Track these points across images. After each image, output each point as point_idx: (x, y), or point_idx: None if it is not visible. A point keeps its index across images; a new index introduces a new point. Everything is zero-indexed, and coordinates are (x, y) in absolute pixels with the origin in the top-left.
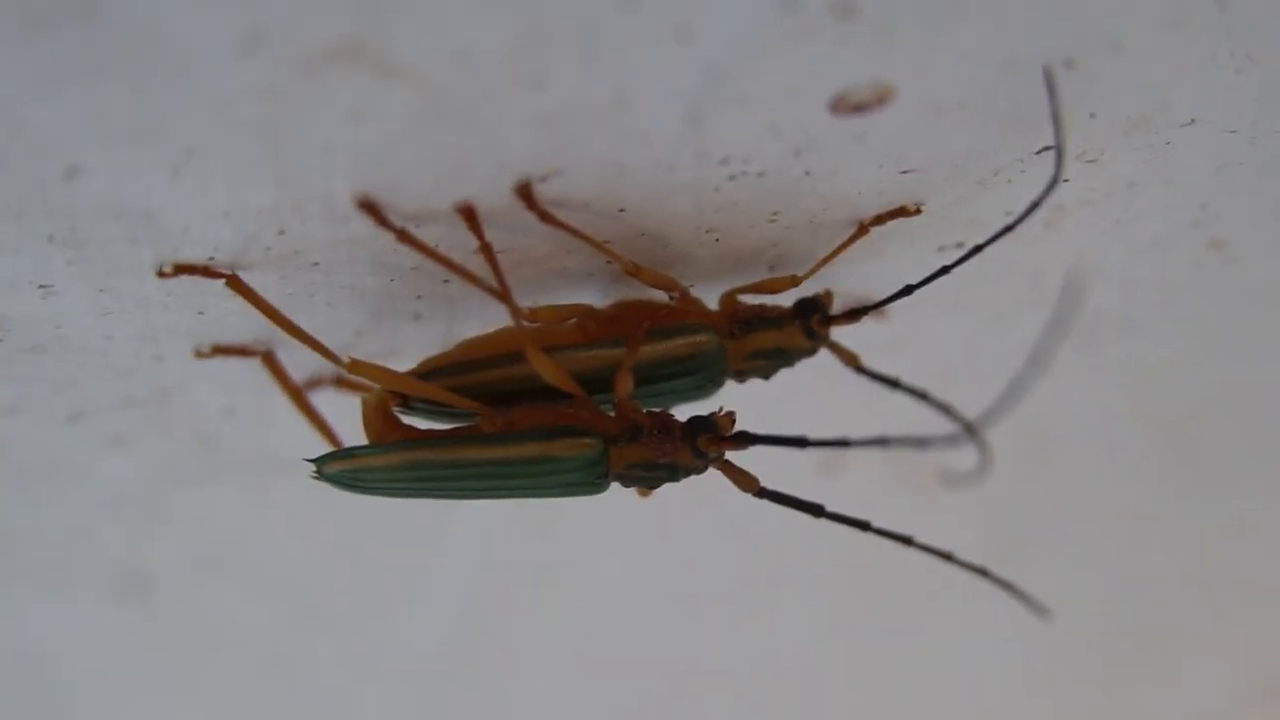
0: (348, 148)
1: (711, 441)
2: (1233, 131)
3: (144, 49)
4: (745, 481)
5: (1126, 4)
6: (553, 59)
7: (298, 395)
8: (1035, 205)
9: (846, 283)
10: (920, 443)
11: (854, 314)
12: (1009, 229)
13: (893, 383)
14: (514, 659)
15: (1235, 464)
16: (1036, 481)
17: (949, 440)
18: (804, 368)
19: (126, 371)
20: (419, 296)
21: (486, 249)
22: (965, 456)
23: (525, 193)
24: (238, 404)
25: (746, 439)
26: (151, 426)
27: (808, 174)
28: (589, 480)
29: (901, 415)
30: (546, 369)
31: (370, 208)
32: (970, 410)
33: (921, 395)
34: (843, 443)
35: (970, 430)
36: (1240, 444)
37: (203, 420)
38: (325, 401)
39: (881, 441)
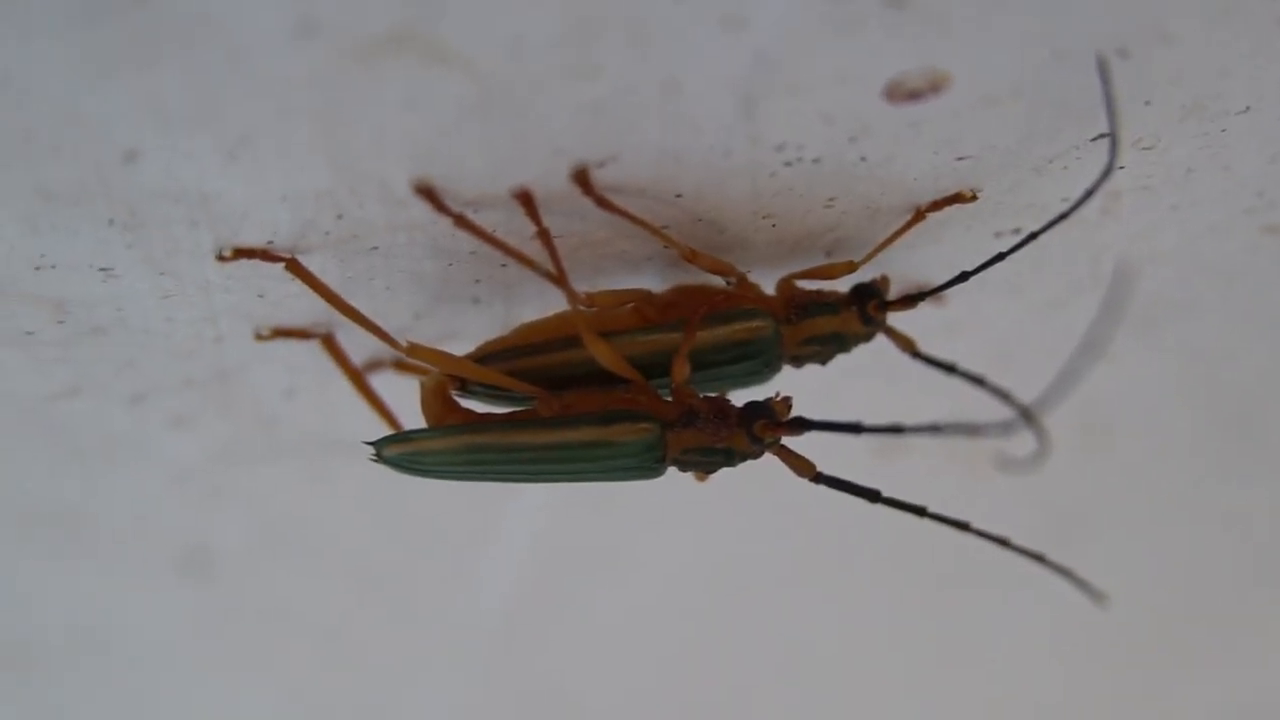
0: (402, 134)
1: (767, 427)
2: None
3: (197, 36)
4: (802, 466)
5: None
6: (603, 48)
7: (357, 378)
8: (1090, 193)
9: (904, 268)
10: (974, 429)
11: (910, 300)
12: (1064, 216)
13: (949, 368)
14: (570, 640)
15: None
16: (1097, 466)
17: (1003, 426)
18: (862, 352)
19: (187, 353)
20: (477, 281)
21: (544, 234)
22: (1022, 442)
23: (582, 178)
24: (298, 385)
25: (802, 424)
26: (212, 407)
27: (863, 160)
28: (646, 465)
29: (960, 400)
30: (603, 353)
31: (427, 193)
32: (1027, 395)
33: (978, 380)
34: (897, 428)
35: (1027, 415)
36: None
37: (263, 401)
38: (385, 384)
39: (935, 428)
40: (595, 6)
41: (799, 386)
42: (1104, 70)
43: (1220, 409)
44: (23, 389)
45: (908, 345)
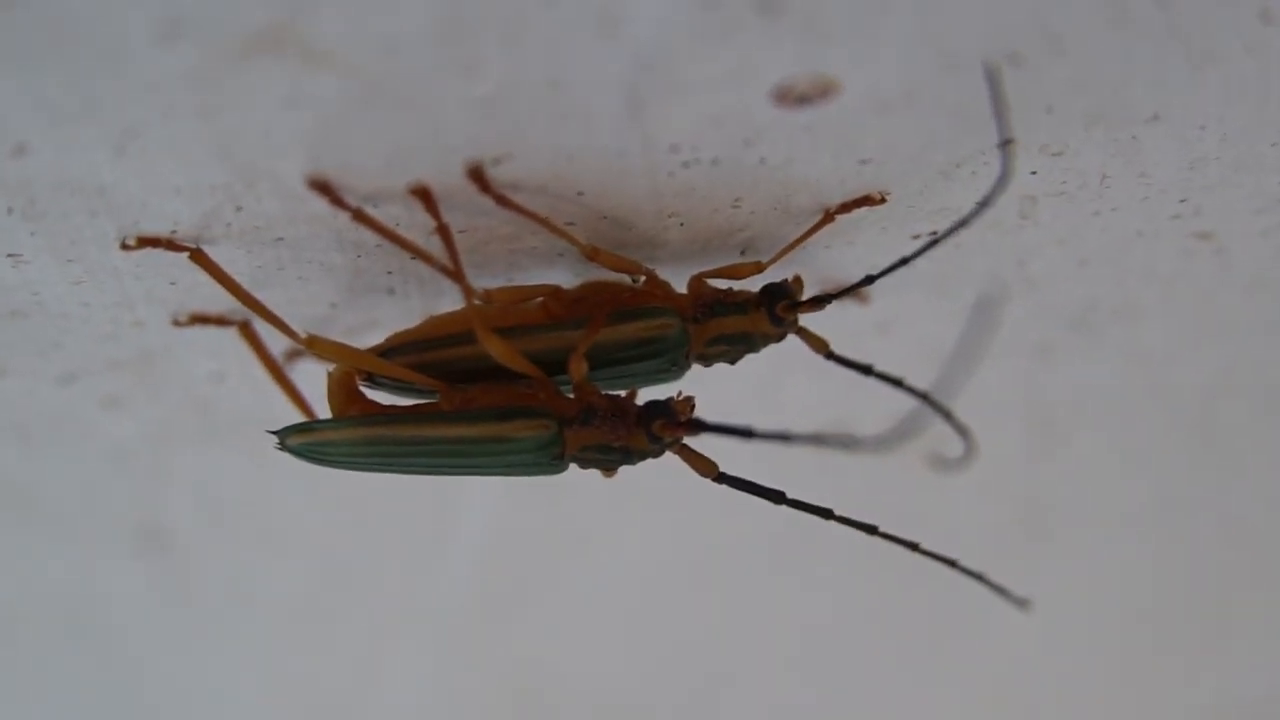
0: (288, 130)
1: (666, 426)
2: (1201, 128)
3: (67, 36)
4: (703, 466)
5: (1063, 1)
6: (480, 46)
7: (273, 365)
8: (986, 203)
9: (821, 269)
10: (851, 442)
11: (819, 301)
12: (963, 223)
13: (866, 369)
14: (535, 619)
15: (1258, 442)
16: (1057, 462)
17: (881, 440)
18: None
19: (108, 337)
20: (389, 272)
21: (443, 230)
22: (952, 442)
23: (478, 176)
24: (226, 369)
25: (698, 426)
26: (142, 389)
27: (763, 162)
28: (543, 461)
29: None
30: (497, 349)
31: (323, 187)
32: (957, 393)
33: (897, 382)
34: (785, 437)
35: (946, 415)
36: (1262, 422)
37: (192, 384)
38: (310, 372)
39: (818, 439)
40: (464, 7)
41: (741, 381)
42: (992, 76)
43: (1175, 411)
44: None
45: (821, 346)
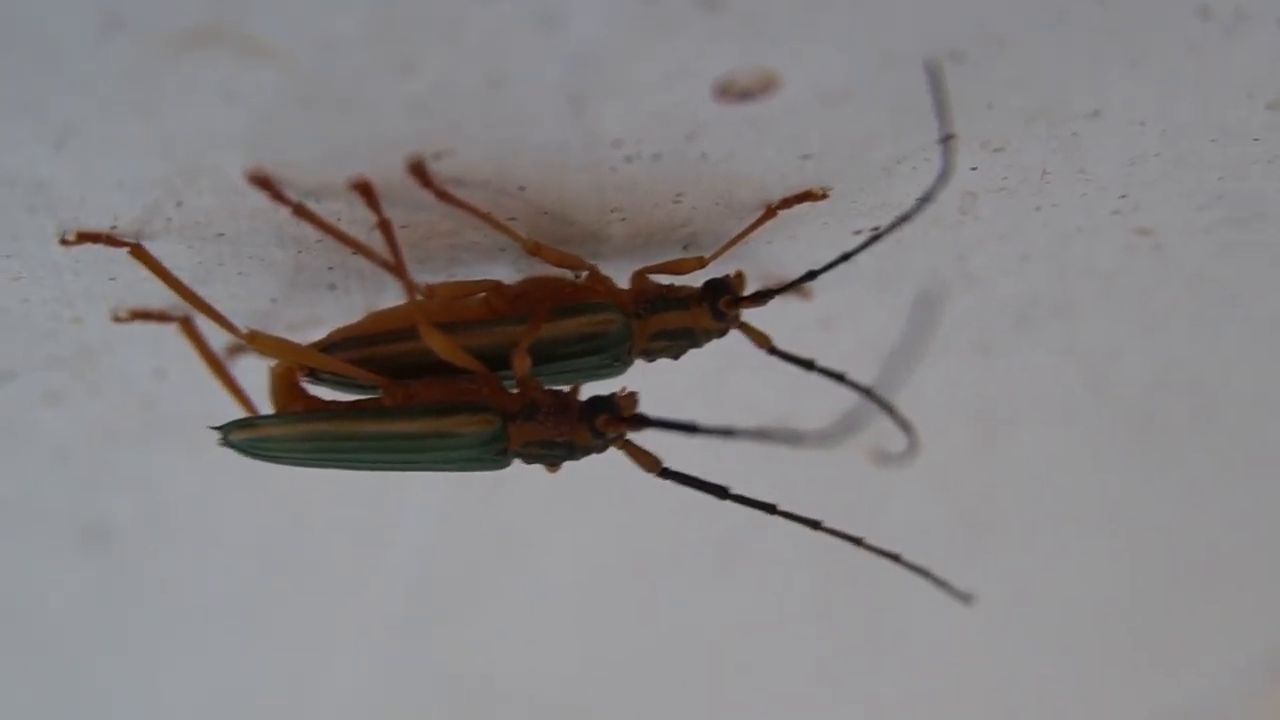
0: (226, 125)
1: (609, 422)
2: (1141, 124)
3: (3, 29)
4: (647, 462)
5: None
6: (418, 44)
7: (215, 362)
8: (926, 198)
9: (764, 264)
10: (796, 437)
11: (761, 296)
12: (904, 219)
13: (808, 364)
14: (475, 621)
15: (1199, 439)
16: (999, 457)
17: (824, 434)
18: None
19: (48, 333)
20: (330, 268)
21: (384, 225)
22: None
23: (418, 171)
24: (167, 366)
25: (642, 421)
26: (82, 386)
27: (705, 157)
28: (487, 456)
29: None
30: (439, 344)
31: (263, 182)
32: (899, 390)
33: (838, 377)
34: (728, 432)
35: (888, 411)
36: (1202, 418)
37: (133, 381)
38: (252, 367)
39: (762, 434)
40: (402, 3)
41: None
42: (933, 72)
43: (1116, 407)
44: None
45: (763, 341)
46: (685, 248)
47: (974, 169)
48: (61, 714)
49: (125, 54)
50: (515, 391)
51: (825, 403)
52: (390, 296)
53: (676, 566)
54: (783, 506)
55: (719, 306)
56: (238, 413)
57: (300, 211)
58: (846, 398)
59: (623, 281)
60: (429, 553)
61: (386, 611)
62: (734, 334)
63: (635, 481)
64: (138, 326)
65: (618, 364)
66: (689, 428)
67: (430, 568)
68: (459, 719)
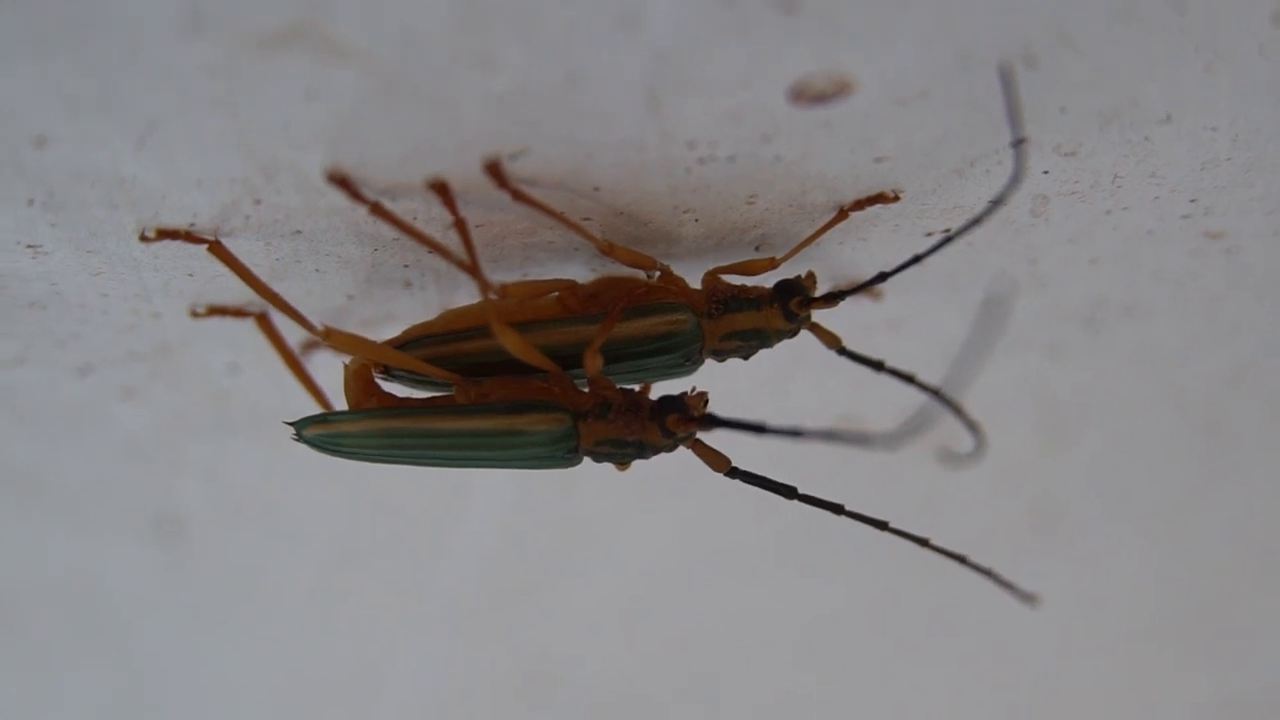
0: (308, 123)
1: (679, 421)
2: (1213, 129)
3: (89, 27)
4: (716, 461)
5: (1076, 2)
6: (497, 41)
7: (290, 357)
8: (998, 201)
9: (836, 265)
10: (864, 438)
11: (832, 297)
12: (976, 222)
13: (878, 365)
14: (543, 609)
15: (1267, 441)
16: (1066, 459)
17: (892, 436)
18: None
19: (126, 328)
20: (406, 265)
21: (459, 224)
22: (963, 438)
23: (494, 170)
24: (242, 361)
25: (712, 421)
26: (159, 380)
27: (778, 159)
28: (558, 455)
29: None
30: (512, 343)
31: (341, 181)
32: (967, 390)
33: (908, 378)
34: (797, 432)
35: (958, 413)
36: (1270, 422)
37: (209, 376)
38: (326, 363)
39: (830, 435)
40: (482, 1)
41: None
42: (1006, 76)
43: (1184, 410)
44: None
45: (833, 342)
46: (757, 249)
47: (1046, 172)
48: (133, 700)
49: (207, 51)
50: (586, 390)
51: (893, 403)
52: (464, 295)
53: (742, 560)
54: (850, 507)
55: (790, 307)
56: (312, 408)
57: (377, 210)
58: (914, 398)
59: (695, 282)
60: (498, 542)
61: (456, 599)
62: (803, 334)
63: (703, 474)
64: (214, 322)
65: (689, 364)
66: (758, 428)
67: (499, 557)
68: (527, 706)
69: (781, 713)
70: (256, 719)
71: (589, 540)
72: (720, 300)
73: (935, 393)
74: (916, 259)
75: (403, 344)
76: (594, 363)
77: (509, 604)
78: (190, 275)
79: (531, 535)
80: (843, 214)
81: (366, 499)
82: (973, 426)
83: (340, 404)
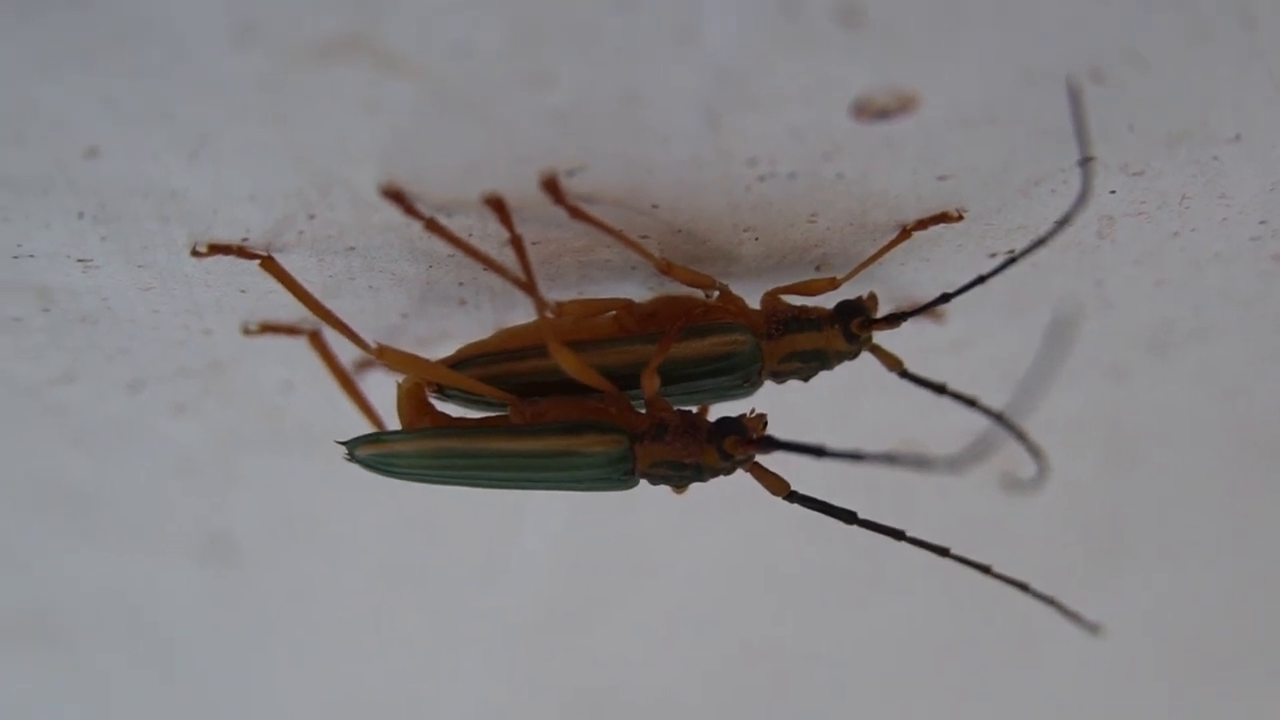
0: (363, 137)
1: (738, 444)
2: None
3: (137, 36)
4: (774, 485)
5: (1144, 19)
6: (555, 56)
7: (342, 375)
8: (1064, 221)
9: (897, 286)
10: (925, 462)
11: (894, 319)
12: (1041, 242)
13: (940, 388)
14: (597, 631)
15: None
16: (1131, 485)
17: (953, 460)
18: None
19: (177, 344)
20: (461, 284)
21: (516, 240)
22: (1025, 462)
23: (551, 187)
24: (295, 379)
25: (771, 444)
26: (211, 397)
27: (840, 177)
28: (614, 476)
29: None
30: (568, 362)
31: (396, 196)
32: (1030, 414)
33: (970, 401)
34: (857, 455)
35: (1021, 437)
36: None
37: (261, 393)
38: (379, 382)
39: (890, 458)
40: (538, 13)
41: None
42: (1074, 94)
43: (1251, 435)
44: (17, 373)
45: (895, 364)
46: (818, 268)
47: (1113, 192)
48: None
49: (260, 63)
50: (643, 411)
51: (954, 427)
52: (520, 313)
53: (800, 584)
54: (910, 532)
55: (851, 328)
56: (365, 427)
57: (432, 226)
58: (976, 422)
59: (754, 302)
60: (553, 563)
61: (510, 621)
62: (864, 356)
63: (761, 496)
64: (267, 339)
65: (747, 385)
66: (817, 450)
67: (553, 578)
68: None
69: None
70: None
71: (645, 561)
72: (780, 321)
73: (998, 417)
74: (980, 280)
75: (457, 363)
76: (651, 383)
77: (561, 626)
78: (242, 291)
79: (584, 557)
80: (905, 233)
81: (419, 520)
82: (1035, 452)
83: (393, 423)
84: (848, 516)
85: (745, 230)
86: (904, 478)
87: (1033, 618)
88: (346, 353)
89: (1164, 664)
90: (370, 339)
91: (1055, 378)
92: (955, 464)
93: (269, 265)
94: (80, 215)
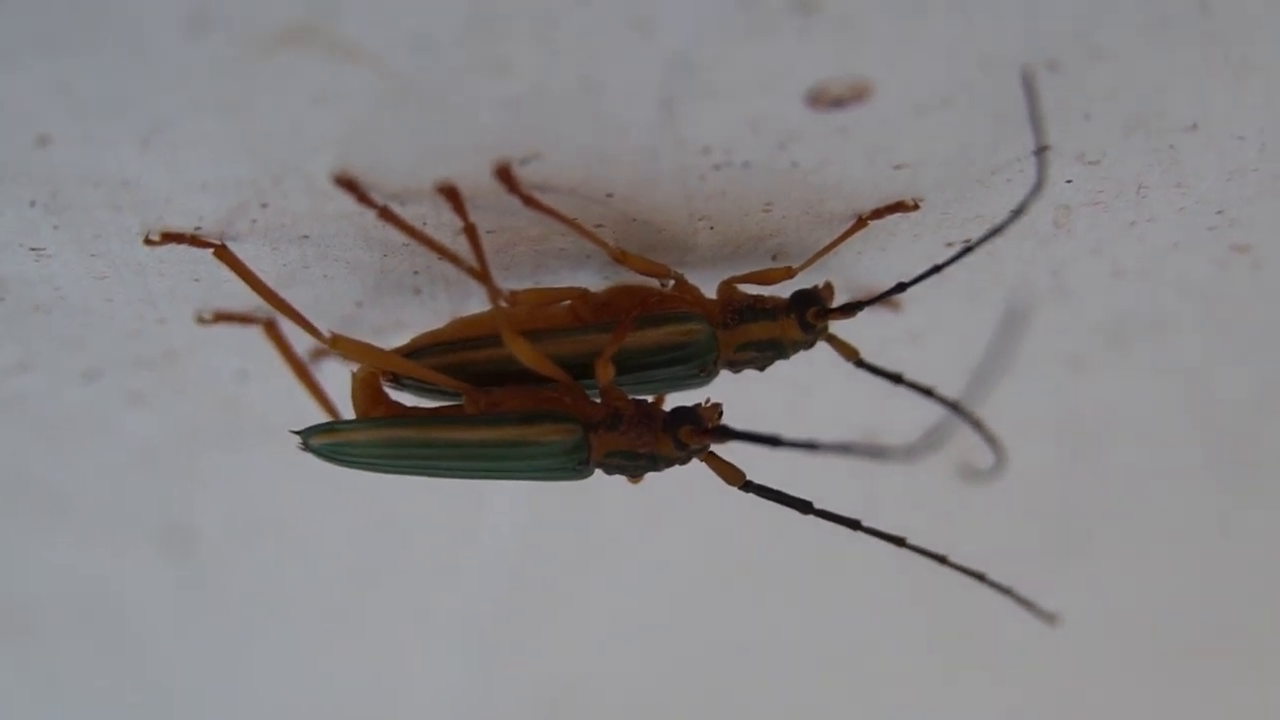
0: (316, 126)
1: (693, 433)
2: (1240, 138)
3: (93, 25)
4: (730, 474)
5: (1100, 6)
6: (512, 45)
7: (297, 364)
8: (1020, 211)
9: (853, 275)
10: (881, 452)
11: (850, 308)
12: (996, 231)
13: (896, 378)
14: (561, 624)
15: None
16: (1088, 476)
17: (909, 450)
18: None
19: (132, 333)
20: (415, 272)
21: (469, 230)
22: (983, 452)
23: (505, 175)
24: (250, 368)
25: (725, 433)
26: (167, 387)
27: (795, 166)
28: (569, 466)
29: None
30: (523, 352)
31: (349, 184)
32: (986, 404)
33: (927, 391)
34: (812, 445)
35: (978, 427)
36: None
37: (217, 383)
38: (335, 371)
39: (845, 448)
40: (496, 5)
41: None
42: (1029, 82)
43: (1209, 427)
44: None
45: (851, 354)
46: (773, 258)
47: (1069, 181)
48: (140, 711)
49: (214, 52)
50: (598, 401)
51: (911, 417)
52: (475, 302)
53: (759, 574)
54: (867, 522)
55: (807, 318)
56: (320, 417)
57: (386, 215)
58: (933, 412)
59: (709, 291)
60: (514, 556)
61: (472, 614)
62: (821, 346)
63: (721, 488)
64: (222, 328)
65: (703, 374)
66: (772, 440)
67: (516, 571)
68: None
69: None
70: None
71: (607, 553)
72: (735, 310)
73: (955, 406)
74: (936, 269)
75: (411, 352)
76: (606, 372)
77: (527, 619)
78: (196, 280)
79: (549, 548)
80: (861, 223)
81: (381, 509)
82: (993, 441)
83: (349, 413)
84: (804, 506)
85: (700, 219)
86: (861, 469)
87: (991, 610)
88: (302, 342)
89: (1121, 656)
90: (324, 328)
91: (1010, 367)
92: (910, 453)
93: (222, 254)
94: (32, 204)
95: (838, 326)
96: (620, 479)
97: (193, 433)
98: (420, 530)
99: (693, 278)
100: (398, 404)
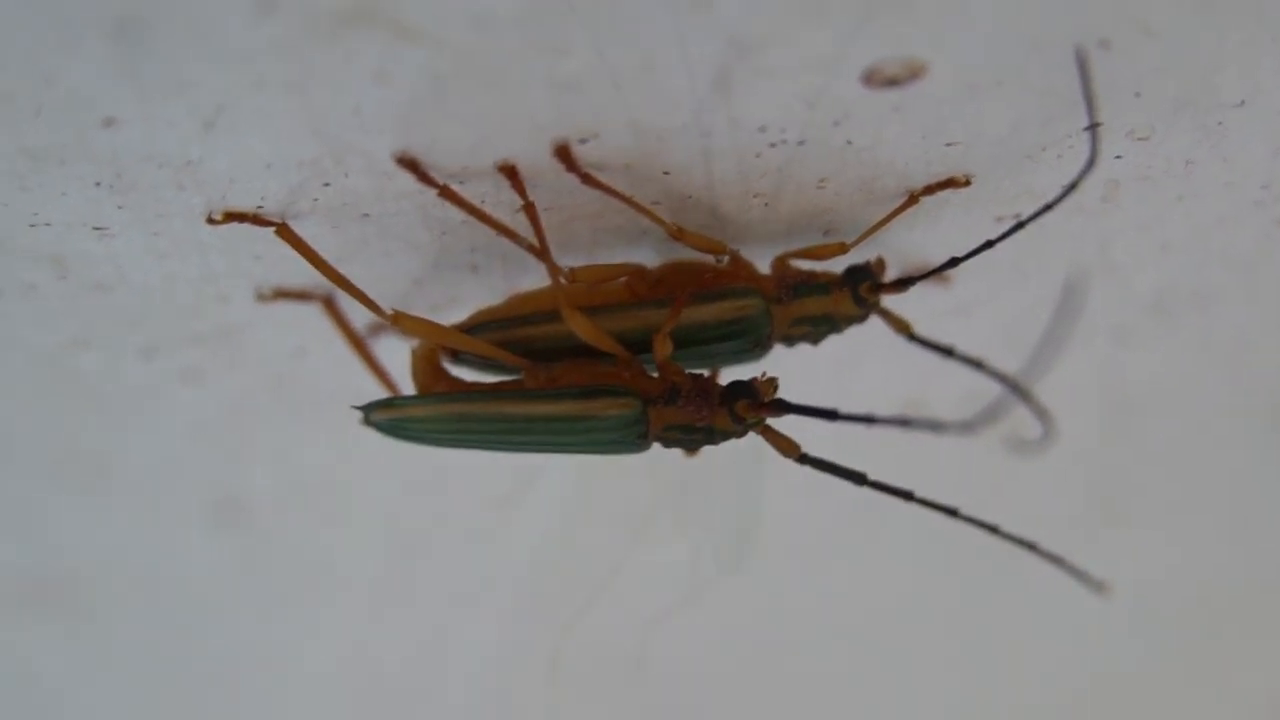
0: (377, 106)
1: (749, 407)
2: None
3: (156, 6)
4: (786, 447)
5: None
6: (572, 24)
7: (356, 341)
8: (1074, 185)
9: (905, 250)
10: (936, 425)
11: (902, 283)
12: (1050, 206)
13: (947, 351)
14: (604, 593)
15: None
16: (1135, 446)
17: (966, 424)
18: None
19: (191, 310)
20: (473, 249)
21: (529, 208)
22: (1032, 425)
23: (564, 154)
24: (308, 344)
25: (782, 407)
26: (223, 363)
27: (850, 143)
28: (628, 440)
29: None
30: (582, 328)
31: (410, 164)
32: (1039, 377)
33: (977, 364)
34: (869, 419)
35: (1027, 399)
36: None
37: (274, 359)
38: (392, 347)
39: (904, 421)
40: None
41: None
42: (1082, 61)
43: (1253, 397)
44: (33, 340)
45: (903, 328)
46: (826, 234)
47: (1118, 157)
48: (195, 682)
49: (279, 32)
50: (656, 375)
51: (959, 390)
52: (532, 279)
53: (804, 546)
54: (918, 494)
55: (860, 292)
56: (378, 392)
57: (446, 193)
58: (980, 385)
59: (764, 266)
60: (560, 525)
61: (518, 582)
62: (871, 320)
63: (772, 457)
64: (280, 305)
65: (758, 349)
66: (829, 414)
67: (561, 540)
68: (587, 688)
69: (843, 698)
70: (322, 700)
71: (652, 525)
72: (789, 285)
73: (1005, 379)
74: (988, 244)
75: (470, 328)
76: (663, 348)
77: (571, 588)
78: (257, 258)
79: (594, 519)
80: (913, 199)
81: (430, 482)
82: (1042, 414)
83: (407, 388)
84: (858, 478)
85: (755, 196)
86: (909, 442)
87: (1041, 580)
88: (360, 318)
89: (1169, 624)
90: (384, 305)
91: (1062, 341)
92: (967, 426)
93: (284, 232)
94: (97, 184)
95: (890, 301)
96: (673, 452)
97: (247, 408)
98: (469, 501)
99: (747, 254)
100: (458, 379)
